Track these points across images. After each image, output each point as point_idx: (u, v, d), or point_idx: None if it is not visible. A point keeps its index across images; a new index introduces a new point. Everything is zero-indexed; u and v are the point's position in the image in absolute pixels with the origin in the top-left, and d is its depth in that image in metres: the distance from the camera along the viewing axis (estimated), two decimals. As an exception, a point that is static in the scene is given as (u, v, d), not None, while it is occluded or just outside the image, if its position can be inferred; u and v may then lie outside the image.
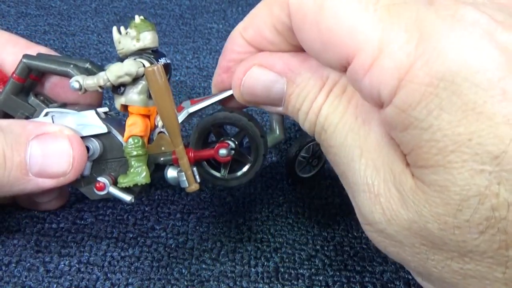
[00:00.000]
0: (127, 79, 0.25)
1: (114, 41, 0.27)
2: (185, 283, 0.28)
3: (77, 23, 0.63)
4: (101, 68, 0.28)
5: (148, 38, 0.26)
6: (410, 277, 0.29)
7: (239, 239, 0.31)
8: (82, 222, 0.32)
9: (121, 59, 0.26)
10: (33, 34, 0.58)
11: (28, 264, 0.29)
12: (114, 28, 0.27)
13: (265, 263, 0.30)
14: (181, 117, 0.28)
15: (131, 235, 0.31)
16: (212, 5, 0.70)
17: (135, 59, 0.26)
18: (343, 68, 0.20)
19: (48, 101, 0.29)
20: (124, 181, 0.27)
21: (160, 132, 0.27)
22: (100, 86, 0.26)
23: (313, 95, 0.22)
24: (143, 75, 0.25)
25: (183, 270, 0.29)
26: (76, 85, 0.26)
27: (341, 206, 0.35)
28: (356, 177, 0.21)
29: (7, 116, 0.28)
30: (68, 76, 0.27)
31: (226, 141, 0.28)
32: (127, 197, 0.27)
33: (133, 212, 0.33)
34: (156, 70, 0.24)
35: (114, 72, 0.25)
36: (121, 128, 0.28)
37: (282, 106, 0.24)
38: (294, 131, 0.43)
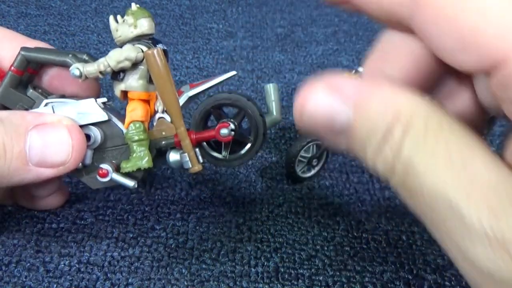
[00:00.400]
0: (127, 64, 0.26)
1: (111, 30, 0.27)
2: (185, 283, 0.28)
3: (77, 23, 0.63)
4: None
5: (145, 25, 0.26)
6: (410, 277, 0.29)
7: (239, 239, 0.31)
8: (82, 222, 0.32)
9: (120, 47, 0.26)
10: (33, 34, 0.58)
11: (28, 264, 0.29)
12: (111, 17, 0.27)
13: (265, 263, 0.30)
14: (181, 101, 0.28)
15: (131, 235, 0.31)
16: (212, 5, 0.70)
17: (133, 44, 0.26)
18: (482, 72, 0.17)
19: (47, 94, 0.29)
20: (127, 166, 0.27)
21: (160, 117, 0.28)
22: (100, 72, 0.26)
23: (388, 131, 0.18)
24: (142, 60, 0.26)
25: (183, 270, 0.29)
26: (77, 72, 0.26)
27: (341, 206, 0.35)
28: (463, 225, 0.17)
29: (6, 109, 0.28)
30: (67, 66, 0.27)
31: (227, 121, 0.28)
32: (130, 183, 0.28)
33: (133, 212, 0.33)
34: (156, 53, 0.25)
35: (114, 57, 0.26)
36: (121, 117, 0.28)
37: (346, 141, 0.19)
38: (294, 131, 0.43)
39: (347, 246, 0.31)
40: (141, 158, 0.27)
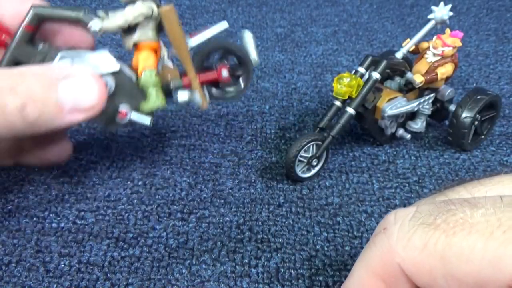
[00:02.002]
0: (140, 19, 0.29)
1: None
2: (185, 283, 0.28)
3: (77, 23, 0.63)
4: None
5: None
6: (410, 277, 0.29)
7: (239, 239, 0.31)
8: (82, 222, 0.32)
9: (126, 4, 0.30)
10: (33, 34, 0.58)
11: (28, 264, 0.29)
12: None
13: (265, 263, 0.30)
14: None
15: (131, 235, 0.31)
16: (212, 5, 0.70)
17: (143, 2, 0.29)
18: None
19: (55, 47, 0.30)
20: (147, 106, 0.31)
21: (164, 64, 0.32)
22: (119, 26, 0.29)
23: None
24: (152, 15, 0.30)
25: (183, 270, 0.29)
26: (97, 28, 0.29)
27: (341, 206, 0.35)
28: None
29: (20, 65, 0.29)
30: (82, 21, 0.29)
31: (224, 64, 0.33)
32: (147, 120, 0.31)
33: (133, 212, 0.33)
34: (172, 10, 0.30)
35: (131, 13, 0.29)
36: (127, 66, 0.31)
37: None
38: (294, 131, 0.43)
39: (347, 246, 0.31)
40: (158, 99, 0.31)
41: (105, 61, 0.30)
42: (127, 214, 0.33)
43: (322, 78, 0.52)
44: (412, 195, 0.36)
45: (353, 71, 0.37)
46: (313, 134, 0.36)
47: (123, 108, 0.31)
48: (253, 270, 0.29)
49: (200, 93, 0.32)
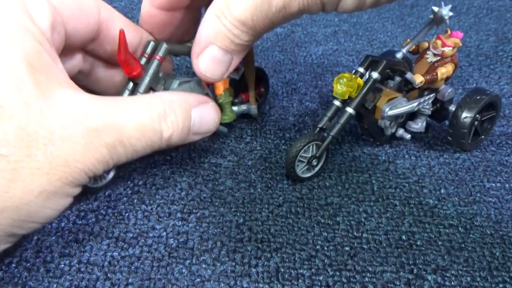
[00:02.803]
0: None
1: None
2: (185, 282, 0.28)
3: (77, 23, 0.63)
4: None
5: None
6: (410, 277, 0.29)
7: (239, 239, 0.31)
8: (83, 221, 0.32)
9: None
10: (33, 34, 0.58)
11: (28, 264, 0.29)
12: None
13: (265, 263, 0.30)
14: None
15: (131, 235, 0.31)
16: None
17: None
18: None
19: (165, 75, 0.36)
20: (225, 118, 0.39)
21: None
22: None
23: None
24: None
25: (183, 270, 0.29)
26: None
27: (341, 206, 0.35)
28: None
29: (153, 91, 0.35)
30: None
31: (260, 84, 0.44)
32: (225, 129, 0.41)
33: (133, 212, 0.33)
34: (253, 49, 0.39)
35: None
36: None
37: None
38: (294, 131, 0.43)
39: (347, 246, 0.31)
40: (232, 113, 0.39)
41: (200, 86, 0.37)
42: (127, 214, 0.33)
43: (322, 78, 0.52)
44: (412, 195, 0.36)
45: (353, 71, 0.37)
46: (313, 134, 0.36)
47: None
48: (253, 269, 0.29)
49: (255, 104, 0.42)
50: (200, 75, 0.32)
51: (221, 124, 0.38)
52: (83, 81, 0.35)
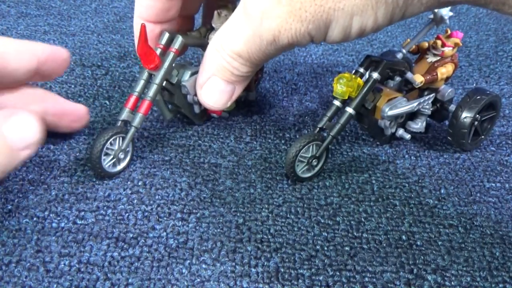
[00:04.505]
0: None
1: (214, 19, 0.38)
2: (185, 283, 0.28)
3: (77, 23, 0.63)
4: None
5: None
6: (410, 277, 0.29)
7: (239, 239, 0.31)
8: (83, 221, 0.32)
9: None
10: (33, 34, 0.59)
11: (28, 264, 0.29)
12: (216, 11, 0.38)
13: (265, 263, 0.30)
14: None
15: (131, 235, 0.31)
16: (212, 5, 0.70)
17: None
18: None
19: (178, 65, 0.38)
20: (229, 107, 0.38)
21: None
22: None
23: None
24: None
25: (183, 270, 0.29)
26: None
27: (340, 206, 0.35)
28: None
29: (167, 82, 0.37)
30: (204, 45, 0.37)
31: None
32: (226, 115, 0.43)
33: (133, 212, 0.33)
34: None
35: None
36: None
37: None
38: (294, 131, 0.43)
39: (347, 246, 0.31)
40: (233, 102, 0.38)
41: None
42: (127, 214, 0.33)
43: (322, 78, 0.52)
44: (412, 195, 0.36)
45: (353, 71, 0.37)
46: (313, 134, 0.36)
47: None
48: (253, 270, 0.29)
49: (254, 92, 0.44)
50: (204, 104, 0.35)
51: (223, 111, 0.41)
52: None
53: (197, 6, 0.41)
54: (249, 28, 0.29)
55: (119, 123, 0.36)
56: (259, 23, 0.28)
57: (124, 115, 0.36)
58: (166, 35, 0.35)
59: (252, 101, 0.44)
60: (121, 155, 0.36)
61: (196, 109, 0.41)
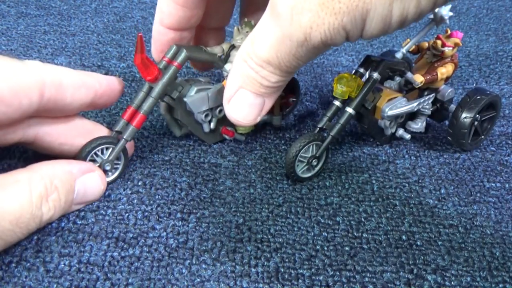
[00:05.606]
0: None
1: (234, 34, 0.38)
2: (185, 283, 0.28)
3: (77, 23, 0.63)
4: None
5: None
6: (410, 277, 0.29)
7: (239, 239, 0.31)
8: (83, 221, 0.32)
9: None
10: (33, 34, 0.59)
11: (28, 264, 0.29)
12: (236, 27, 0.38)
13: (265, 263, 0.30)
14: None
15: (131, 235, 0.31)
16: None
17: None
18: None
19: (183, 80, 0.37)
20: (241, 129, 0.40)
21: None
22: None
23: None
24: None
25: (183, 270, 0.29)
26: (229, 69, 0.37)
27: (340, 206, 0.35)
28: None
29: (166, 96, 0.36)
30: (214, 63, 0.37)
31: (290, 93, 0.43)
32: (242, 137, 0.41)
33: (133, 212, 0.33)
34: None
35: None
36: None
37: None
38: (294, 131, 0.43)
39: (347, 246, 0.31)
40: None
41: (221, 94, 0.35)
42: (127, 214, 0.33)
43: (322, 78, 0.52)
44: (412, 195, 0.36)
45: (353, 71, 0.37)
46: (313, 134, 0.36)
47: (230, 128, 0.39)
48: (253, 270, 0.29)
49: (279, 116, 0.42)
50: (232, 120, 0.32)
51: (237, 133, 0.40)
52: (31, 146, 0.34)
53: (227, 17, 0.39)
54: (278, 29, 0.26)
55: (113, 134, 0.34)
56: (289, 22, 0.25)
57: (120, 126, 0.34)
58: (173, 48, 0.34)
59: (276, 125, 0.42)
60: (107, 166, 0.34)
61: (206, 128, 0.38)
